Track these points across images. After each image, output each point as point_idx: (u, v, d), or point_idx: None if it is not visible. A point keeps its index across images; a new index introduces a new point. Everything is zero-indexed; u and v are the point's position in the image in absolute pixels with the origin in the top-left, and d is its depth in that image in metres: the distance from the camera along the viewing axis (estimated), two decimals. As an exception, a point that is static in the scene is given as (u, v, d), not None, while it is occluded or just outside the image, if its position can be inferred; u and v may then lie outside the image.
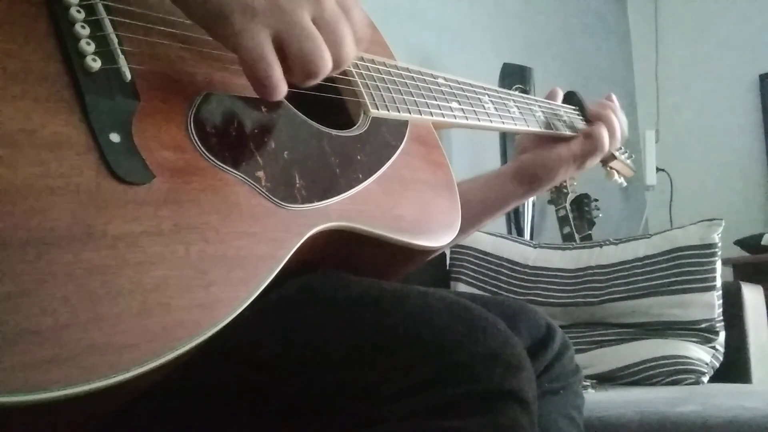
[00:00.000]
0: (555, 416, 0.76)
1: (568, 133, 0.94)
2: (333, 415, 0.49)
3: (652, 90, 3.53)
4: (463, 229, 0.92)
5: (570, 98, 1.01)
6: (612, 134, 0.94)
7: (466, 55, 2.48)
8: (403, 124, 0.74)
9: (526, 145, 0.95)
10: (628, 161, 1.13)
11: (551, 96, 1.00)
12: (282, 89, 0.53)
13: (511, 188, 0.93)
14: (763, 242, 2.77)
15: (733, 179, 3.26)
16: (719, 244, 1.72)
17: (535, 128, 0.91)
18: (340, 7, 0.55)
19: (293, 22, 0.52)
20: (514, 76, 2.32)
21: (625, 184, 1.16)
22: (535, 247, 1.92)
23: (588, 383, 1.51)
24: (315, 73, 0.53)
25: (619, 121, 0.96)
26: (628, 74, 3.62)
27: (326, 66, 0.54)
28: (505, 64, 2.36)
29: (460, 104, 0.81)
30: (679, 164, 3.31)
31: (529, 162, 0.93)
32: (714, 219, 1.74)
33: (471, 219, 0.92)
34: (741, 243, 2.86)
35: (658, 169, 3.19)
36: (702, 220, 1.75)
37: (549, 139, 0.94)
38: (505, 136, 2.29)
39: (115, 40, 0.52)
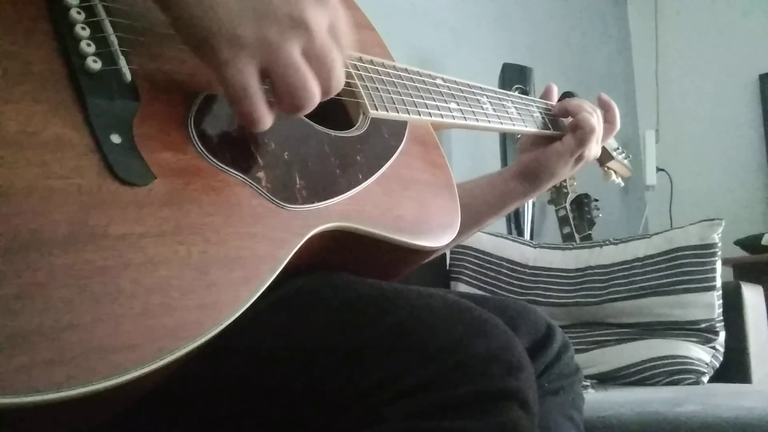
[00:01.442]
0: (555, 416, 0.76)
1: (563, 132, 0.95)
2: (333, 416, 0.50)
3: (652, 90, 3.53)
4: (466, 229, 0.92)
5: (567, 98, 1.02)
6: (594, 117, 0.94)
7: (466, 55, 2.48)
8: (402, 125, 0.74)
9: (527, 145, 0.96)
10: (626, 161, 1.13)
11: (546, 93, 1.01)
12: (265, 123, 0.52)
13: (512, 187, 0.94)
14: (763, 242, 2.77)
15: (733, 179, 3.26)
16: (719, 244, 1.72)
17: (533, 128, 0.92)
18: (331, 35, 0.53)
19: (280, 57, 0.50)
20: (514, 76, 2.32)
21: (622, 184, 1.17)
22: (535, 247, 1.92)
23: (588, 383, 1.51)
24: (302, 106, 0.52)
25: (593, 108, 0.96)
26: (628, 74, 3.62)
27: (313, 100, 0.52)
28: (505, 64, 2.36)
29: (458, 105, 0.81)
30: (679, 164, 3.31)
31: (528, 161, 0.94)
32: (714, 219, 1.74)
33: (474, 218, 0.92)
34: (741, 243, 2.85)
35: (658, 169, 3.19)
36: (702, 220, 1.75)
37: (548, 138, 0.95)
38: (505, 137, 2.29)
39: (116, 42, 0.52)
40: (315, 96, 0.52)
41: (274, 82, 0.51)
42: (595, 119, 0.93)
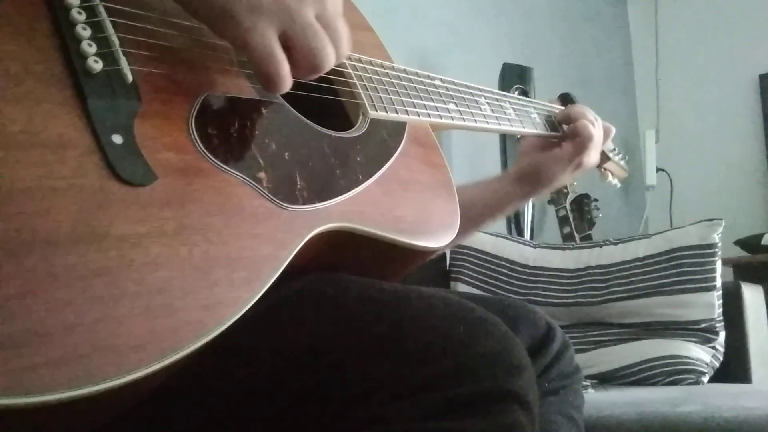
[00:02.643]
0: (555, 416, 0.76)
1: (560, 134, 0.96)
2: (334, 416, 0.50)
3: (652, 90, 3.53)
4: (465, 230, 0.93)
5: (565, 100, 1.02)
6: (594, 125, 0.95)
7: (466, 55, 2.48)
8: (402, 126, 0.74)
9: (527, 149, 0.97)
10: (622, 162, 1.13)
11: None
12: (288, 84, 0.55)
13: (511, 190, 0.95)
14: (763, 242, 2.77)
15: (733, 179, 3.26)
16: (719, 244, 1.72)
17: (530, 129, 0.92)
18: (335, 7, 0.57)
19: (299, 20, 0.53)
20: (514, 76, 2.32)
21: (619, 185, 1.17)
22: (535, 247, 1.92)
23: (588, 383, 1.51)
24: (320, 67, 0.56)
25: (595, 116, 0.97)
26: (628, 74, 3.62)
27: (331, 60, 0.56)
28: (505, 64, 2.36)
29: (457, 106, 0.81)
30: (679, 164, 3.31)
31: (528, 165, 0.95)
32: (714, 219, 1.74)
33: (473, 220, 0.93)
34: (741, 243, 2.85)
35: (658, 169, 3.19)
36: (702, 220, 1.75)
37: (548, 143, 0.96)
38: (505, 138, 2.29)
39: (117, 42, 0.52)
40: (331, 57, 0.56)
41: (294, 44, 0.54)
42: (595, 128, 0.94)
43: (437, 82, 0.81)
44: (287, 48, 0.54)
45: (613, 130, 1.00)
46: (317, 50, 0.54)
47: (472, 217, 0.93)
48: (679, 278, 1.70)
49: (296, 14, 0.53)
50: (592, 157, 0.95)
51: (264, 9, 0.52)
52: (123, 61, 0.52)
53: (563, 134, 0.96)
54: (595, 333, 1.77)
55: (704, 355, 1.65)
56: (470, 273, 1.90)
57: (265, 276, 0.52)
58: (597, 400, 1.30)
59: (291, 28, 0.53)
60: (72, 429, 0.45)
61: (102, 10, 0.53)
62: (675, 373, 1.62)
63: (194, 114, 0.55)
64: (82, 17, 0.52)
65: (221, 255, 0.50)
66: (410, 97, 0.75)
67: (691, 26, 3.45)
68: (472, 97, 0.85)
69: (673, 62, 3.49)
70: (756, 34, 3.26)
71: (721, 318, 1.69)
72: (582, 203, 2.35)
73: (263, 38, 0.52)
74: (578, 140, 0.93)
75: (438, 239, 0.69)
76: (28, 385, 0.39)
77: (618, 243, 1.85)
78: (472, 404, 0.48)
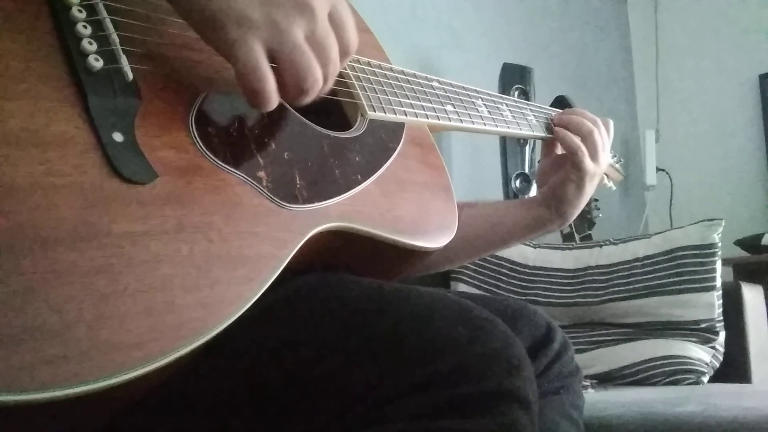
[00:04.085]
0: (555, 416, 0.76)
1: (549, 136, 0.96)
2: (333, 416, 0.50)
3: (652, 90, 3.53)
4: (494, 247, 0.96)
5: (561, 103, 1.02)
6: (576, 131, 0.92)
7: (466, 55, 2.48)
8: (400, 126, 0.74)
9: (543, 178, 0.96)
10: (617, 165, 1.14)
11: None
12: (274, 101, 0.53)
13: (540, 213, 0.93)
14: (763, 242, 2.77)
15: (733, 179, 3.26)
16: (719, 244, 1.72)
17: (527, 132, 0.92)
18: (332, 22, 0.55)
19: (288, 39, 0.52)
20: (514, 76, 2.32)
21: (614, 188, 1.17)
22: (535, 247, 1.92)
23: (588, 383, 1.51)
24: (307, 90, 0.54)
25: (583, 118, 0.95)
26: (628, 74, 3.62)
27: (318, 84, 0.54)
28: (505, 64, 2.36)
29: (454, 107, 0.82)
30: (679, 164, 3.31)
31: (547, 189, 0.94)
32: (714, 219, 1.74)
33: (502, 238, 0.94)
34: (741, 243, 2.85)
35: (658, 169, 3.18)
36: (702, 220, 1.75)
37: (558, 162, 0.95)
38: (505, 141, 2.29)
39: (117, 40, 0.53)
40: (320, 80, 0.54)
41: (282, 63, 0.52)
42: (598, 127, 0.92)
43: (435, 84, 0.82)
44: (275, 68, 0.53)
45: (611, 122, 0.99)
46: (304, 72, 0.53)
47: (503, 236, 0.93)
48: (679, 278, 1.70)
49: (285, 32, 0.52)
50: (601, 160, 0.92)
51: (252, 24, 0.51)
52: (123, 60, 0.52)
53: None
54: (595, 333, 1.77)
55: (704, 355, 1.65)
56: (470, 273, 1.90)
57: (265, 275, 0.52)
58: (597, 400, 1.30)
59: (279, 46, 0.52)
60: (71, 428, 0.45)
61: (102, 8, 0.53)
62: (675, 373, 1.62)
63: (194, 113, 0.55)
64: (83, 15, 0.52)
65: (222, 253, 0.50)
66: (408, 98, 0.75)
67: (691, 26, 3.46)
68: (469, 99, 0.85)
69: (673, 62, 3.49)
70: (756, 34, 3.26)
71: (721, 318, 1.68)
72: (582, 203, 2.34)
73: (251, 53, 0.51)
74: (566, 151, 0.91)
75: (436, 239, 0.69)
76: (29, 382, 0.39)
77: (618, 243, 1.85)
78: (471, 404, 0.48)
